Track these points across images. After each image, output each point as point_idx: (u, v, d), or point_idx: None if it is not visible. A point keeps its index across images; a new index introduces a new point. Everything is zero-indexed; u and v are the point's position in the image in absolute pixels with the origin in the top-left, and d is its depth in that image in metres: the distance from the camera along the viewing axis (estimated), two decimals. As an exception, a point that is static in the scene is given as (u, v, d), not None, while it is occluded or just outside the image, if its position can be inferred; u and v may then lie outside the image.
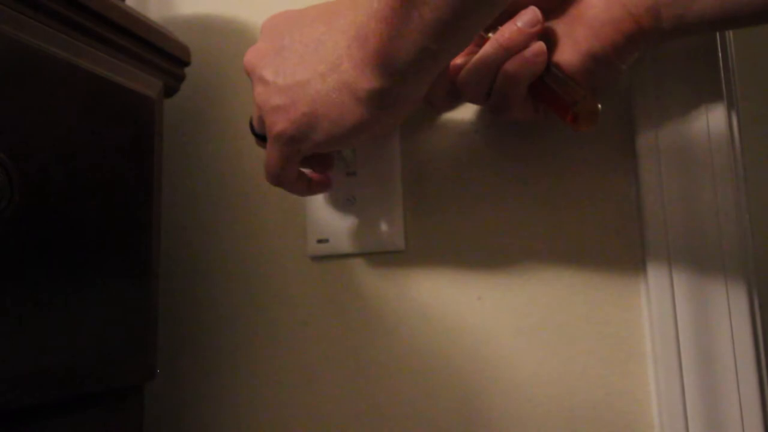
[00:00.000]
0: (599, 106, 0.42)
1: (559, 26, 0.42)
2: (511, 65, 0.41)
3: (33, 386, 0.37)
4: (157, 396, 0.57)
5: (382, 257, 0.55)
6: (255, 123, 0.47)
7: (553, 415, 0.51)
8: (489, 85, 0.43)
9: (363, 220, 0.55)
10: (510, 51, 0.41)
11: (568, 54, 0.42)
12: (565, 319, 0.51)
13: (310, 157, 0.47)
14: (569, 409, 0.50)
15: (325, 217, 0.56)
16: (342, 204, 0.55)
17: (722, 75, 0.49)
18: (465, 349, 0.53)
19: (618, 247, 0.51)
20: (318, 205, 0.56)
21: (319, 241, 0.56)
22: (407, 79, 0.36)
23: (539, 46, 0.41)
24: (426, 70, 0.36)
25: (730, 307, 0.47)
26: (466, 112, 0.55)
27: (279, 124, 0.41)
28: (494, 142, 0.54)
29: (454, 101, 0.48)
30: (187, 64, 0.53)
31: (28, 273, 0.37)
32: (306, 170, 0.49)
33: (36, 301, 0.37)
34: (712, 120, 0.49)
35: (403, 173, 0.55)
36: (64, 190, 0.40)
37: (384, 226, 0.54)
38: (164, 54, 0.50)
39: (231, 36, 0.62)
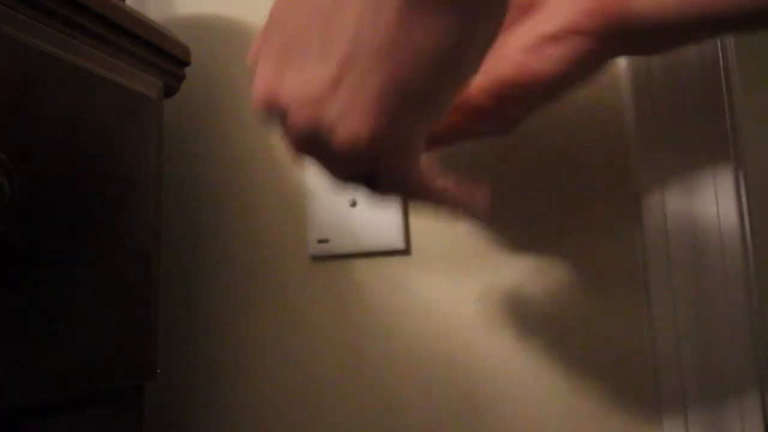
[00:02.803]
0: None
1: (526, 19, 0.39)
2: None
3: (33, 386, 0.37)
4: (157, 396, 0.57)
5: (382, 257, 0.55)
6: None
7: (554, 414, 0.51)
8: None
9: (363, 221, 0.55)
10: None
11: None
12: (566, 319, 0.51)
13: None
14: (570, 409, 0.50)
15: (326, 217, 0.56)
16: (342, 204, 0.55)
17: (722, 76, 0.49)
18: (465, 349, 0.53)
19: (619, 251, 0.51)
20: (318, 205, 0.56)
21: (320, 241, 0.56)
22: None
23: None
24: None
25: (731, 307, 0.47)
26: (466, 112, 0.54)
27: None
28: (495, 143, 0.54)
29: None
30: (187, 64, 0.53)
31: (28, 273, 0.37)
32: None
33: (36, 302, 0.37)
34: (713, 121, 0.49)
35: (403, 173, 0.55)
36: (64, 191, 0.40)
37: (384, 226, 0.54)
38: (164, 54, 0.50)
39: (231, 36, 0.62)
